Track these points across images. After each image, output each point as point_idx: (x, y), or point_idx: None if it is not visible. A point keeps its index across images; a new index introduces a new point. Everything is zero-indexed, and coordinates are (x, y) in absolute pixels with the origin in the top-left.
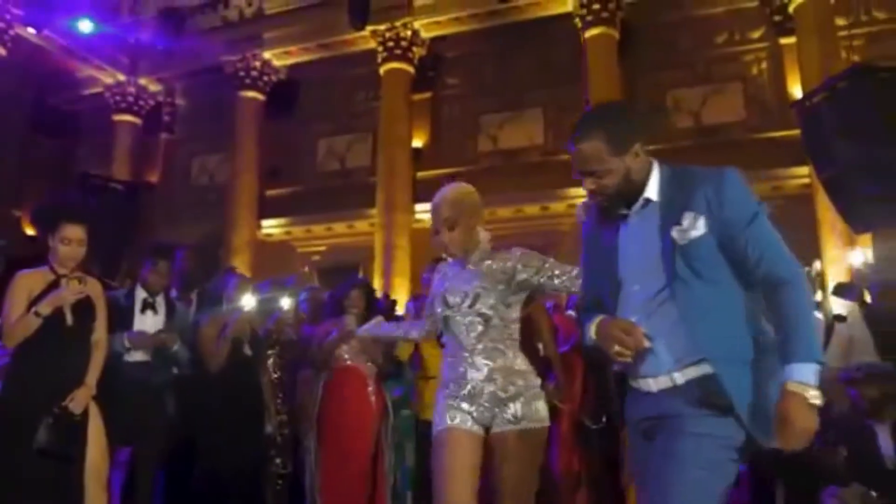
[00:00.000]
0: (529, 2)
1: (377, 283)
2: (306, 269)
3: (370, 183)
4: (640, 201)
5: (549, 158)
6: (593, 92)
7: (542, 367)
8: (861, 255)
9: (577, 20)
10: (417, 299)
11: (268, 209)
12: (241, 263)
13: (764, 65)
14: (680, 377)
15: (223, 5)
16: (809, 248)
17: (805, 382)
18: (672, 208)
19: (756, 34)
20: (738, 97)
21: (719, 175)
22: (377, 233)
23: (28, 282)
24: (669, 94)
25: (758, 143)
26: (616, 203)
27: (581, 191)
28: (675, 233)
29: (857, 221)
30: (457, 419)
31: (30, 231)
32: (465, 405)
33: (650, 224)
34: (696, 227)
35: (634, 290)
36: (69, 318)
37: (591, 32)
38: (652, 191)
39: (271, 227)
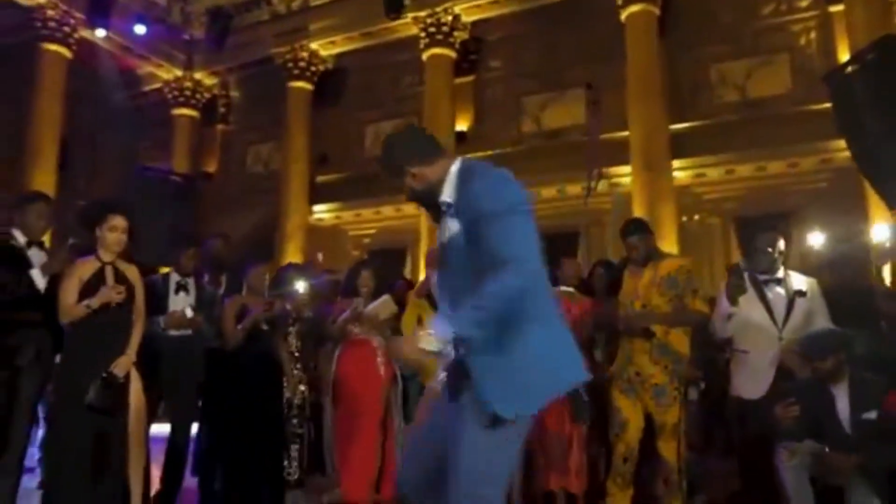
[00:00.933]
0: None
1: (423, 264)
2: (320, 256)
3: None
4: (443, 204)
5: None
6: (633, 70)
7: None
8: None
9: None
10: None
11: (318, 195)
12: (294, 248)
13: (812, 35)
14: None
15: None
16: (858, 221)
17: (436, 332)
18: (453, 207)
19: (804, 2)
20: (785, 69)
21: (471, 175)
22: (423, 215)
23: (78, 269)
24: (713, 69)
25: (805, 115)
26: (425, 204)
27: (627, 169)
28: (445, 230)
29: (891, 196)
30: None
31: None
32: None
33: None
34: (455, 224)
35: (440, 281)
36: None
37: (630, 9)
38: (447, 193)
39: (322, 212)
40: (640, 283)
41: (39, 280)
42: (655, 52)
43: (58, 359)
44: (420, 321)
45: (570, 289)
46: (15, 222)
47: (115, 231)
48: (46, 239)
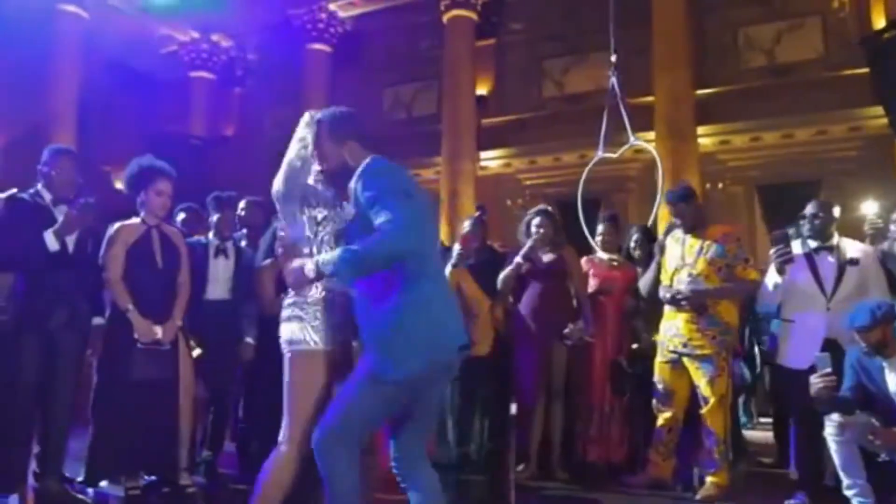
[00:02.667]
0: None
1: (443, 230)
2: None
3: (436, 131)
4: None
5: (615, 102)
6: (659, 33)
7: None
8: None
9: None
10: None
11: None
12: None
13: None
14: None
15: None
16: (891, 191)
17: (316, 262)
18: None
19: None
20: (817, 33)
21: (370, 173)
22: (443, 181)
23: (124, 233)
24: (741, 33)
25: (836, 81)
26: (333, 184)
27: (651, 135)
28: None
29: None
30: None
31: (119, 185)
32: None
33: None
34: (349, 212)
35: None
36: (159, 262)
37: None
38: (353, 181)
39: None
40: (687, 251)
41: (52, 243)
42: (682, 16)
43: (95, 321)
44: (459, 289)
45: (611, 255)
46: (41, 179)
47: (161, 195)
48: None
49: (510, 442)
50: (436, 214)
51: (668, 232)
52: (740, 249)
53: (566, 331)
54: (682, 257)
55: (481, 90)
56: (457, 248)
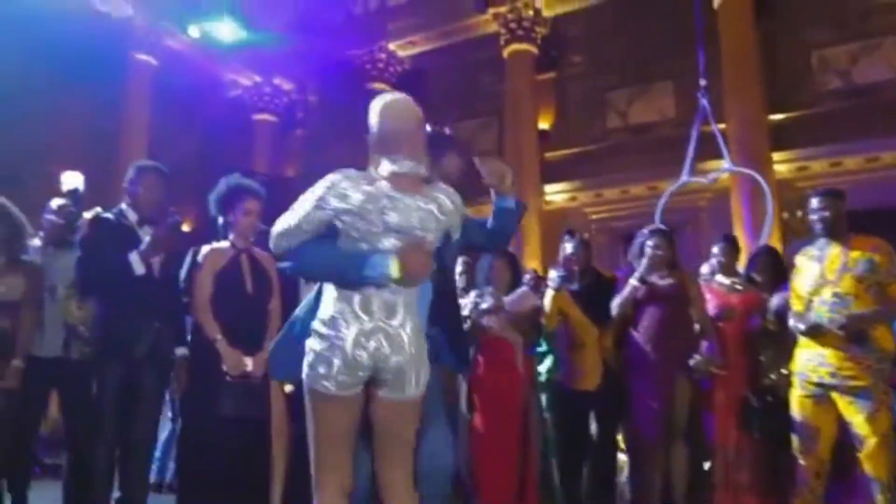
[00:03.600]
0: None
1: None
2: None
3: None
4: None
5: (681, 131)
6: (728, 58)
7: (695, 334)
8: None
9: None
10: None
11: None
12: None
13: None
14: None
15: (350, 1)
16: None
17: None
18: None
19: None
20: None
21: None
22: None
23: (212, 257)
24: (815, 55)
25: None
26: None
27: (720, 163)
28: None
29: None
30: None
31: (186, 227)
32: None
33: None
34: None
35: None
36: (249, 288)
37: None
38: None
39: None
40: (828, 267)
41: (138, 266)
42: (751, 40)
43: (179, 352)
44: (563, 315)
45: (732, 279)
46: (126, 198)
47: (249, 215)
48: None
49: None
50: None
51: (797, 249)
52: (893, 264)
53: (692, 362)
54: (821, 275)
55: (543, 124)
56: (554, 272)
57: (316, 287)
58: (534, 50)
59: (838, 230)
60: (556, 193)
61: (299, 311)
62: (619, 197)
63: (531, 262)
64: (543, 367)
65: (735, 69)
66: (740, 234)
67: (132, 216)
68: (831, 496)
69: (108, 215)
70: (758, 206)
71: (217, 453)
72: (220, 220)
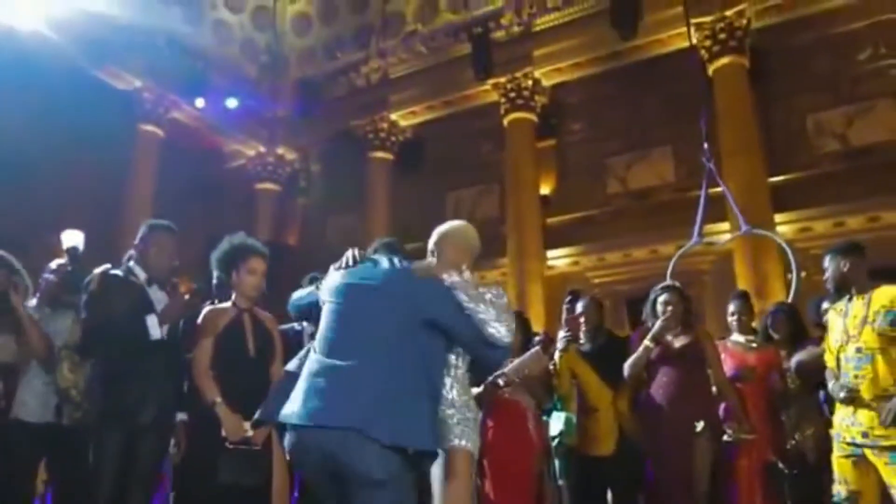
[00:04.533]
0: (651, 40)
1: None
2: None
3: (500, 232)
4: None
5: (681, 195)
6: (724, 123)
7: (712, 396)
8: None
9: (702, 52)
10: None
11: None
12: None
13: None
14: None
15: (353, 73)
16: None
17: None
18: None
19: None
20: (891, 114)
21: None
22: (510, 281)
23: (213, 316)
24: (809, 119)
25: None
26: None
27: (725, 226)
28: None
29: None
30: None
31: (186, 294)
32: None
33: None
34: None
35: None
36: (251, 350)
37: (718, 63)
38: None
39: None
40: (850, 322)
41: (155, 330)
42: (748, 104)
43: (179, 417)
44: (574, 376)
45: (747, 336)
46: (135, 255)
47: (253, 274)
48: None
49: None
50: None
51: (828, 303)
52: None
53: (727, 433)
54: (845, 330)
55: (545, 189)
56: (561, 332)
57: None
58: (533, 118)
59: (852, 285)
60: (559, 258)
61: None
62: (621, 261)
63: (535, 327)
64: (556, 429)
65: (732, 133)
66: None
67: (141, 274)
68: None
69: (118, 272)
70: (761, 268)
71: None
72: (215, 279)
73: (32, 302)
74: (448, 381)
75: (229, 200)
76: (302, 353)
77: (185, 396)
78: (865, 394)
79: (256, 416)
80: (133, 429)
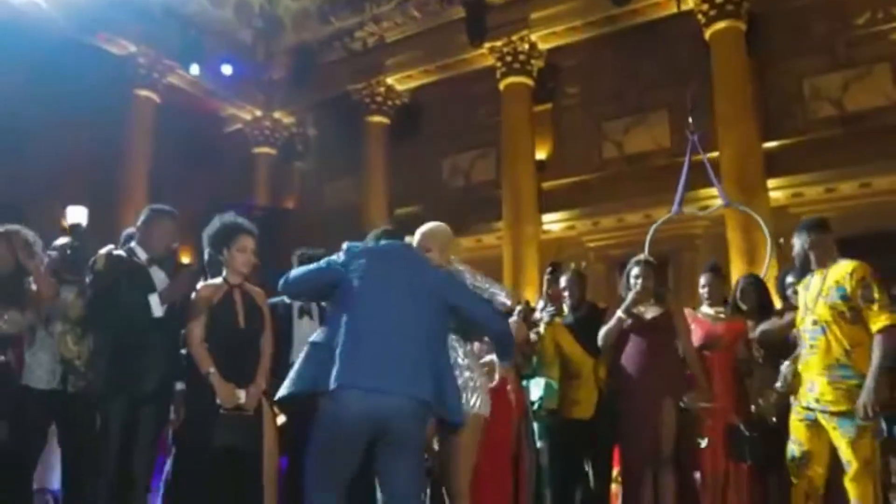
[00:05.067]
0: (647, 3)
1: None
2: None
3: (496, 197)
4: None
5: (676, 161)
6: (721, 88)
7: (681, 365)
8: None
9: (699, 16)
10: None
11: (398, 229)
12: None
13: None
14: None
15: (348, 38)
16: None
17: None
18: None
19: None
20: (887, 79)
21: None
22: (505, 245)
23: (206, 292)
24: (806, 83)
25: None
26: None
27: (713, 191)
28: None
29: None
30: None
31: (185, 259)
32: None
33: None
34: None
35: None
36: (242, 323)
37: (715, 27)
38: None
39: None
40: (810, 296)
41: (157, 307)
42: (743, 69)
43: (178, 386)
44: (558, 346)
45: (716, 308)
46: (137, 237)
47: (244, 252)
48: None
49: None
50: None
51: (791, 277)
52: (866, 289)
53: (684, 400)
54: (805, 303)
55: (540, 154)
56: (542, 304)
57: None
58: (530, 82)
59: (815, 260)
60: (554, 223)
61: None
62: (615, 225)
63: (529, 291)
64: (535, 394)
65: (728, 98)
66: (736, 259)
67: (142, 255)
68: None
69: (121, 253)
70: (753, 233)
71: (210, 483)
72: (206, 256)
73: None
74: (461, 350)
75: (227, 165)
76: (322, 328)
77: (182, 367)
78: (818, 363)
79: (291, 389)
80: (136, 398)
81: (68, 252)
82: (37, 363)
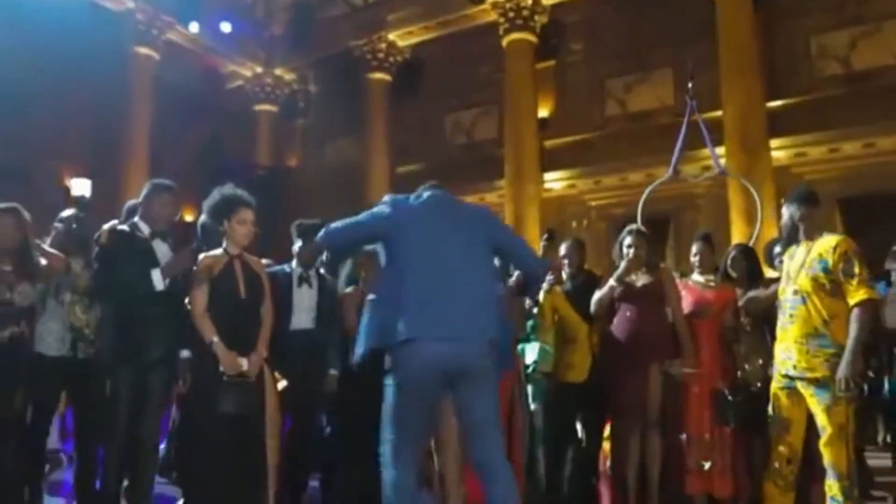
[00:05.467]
0: None
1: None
2: None
3: (498, 154)
4: None
5: (679, 119)
6: (726, 46)
7: (670, 331)
8: None
9: None
10: None
11: (399, 186)
12: None
13: None
14: None
15: None
16: None
17: None
18: None
19: None
20: (894, 37)
21: None
22: (507, 204)
23: (207, 263)
24: (813, 41)
25: None
26: None
27: (720, 150)
28: None
29: None
30: None
31: (188, 217)
32: None
33: None
34: None
35: None
36: (242, 293)
37: None
38: None
39: None
40: (793, 266)
41: (159, 282)
42: (749, 27)
43: (183, 354)
44: (556, 312)
45: (707, 276)
46: (140, 212)
47: (243, 224)
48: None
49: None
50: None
51: (779, 247)
52: (847, 263)
53: (667, 367)
54: (788, 273)
55: (543, 112)
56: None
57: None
58: (533, 38)
59: (802, 232)
60: (556, 181)
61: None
62: (617, 184)
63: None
64: (530, 358)
65: (733, 56)
66: (737, 219)
67: (145, 229)
68: (800, 481)
69: (125, 227)
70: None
71: (215, 447)
72: (200, 225)
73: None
74: None
75: (228, 122)
76: (380, 282)
77: (187, 336)
78: (797, 332)
79: (367, 344)
80: (142, 365)
81: (73, 226)
82: (47, 331)
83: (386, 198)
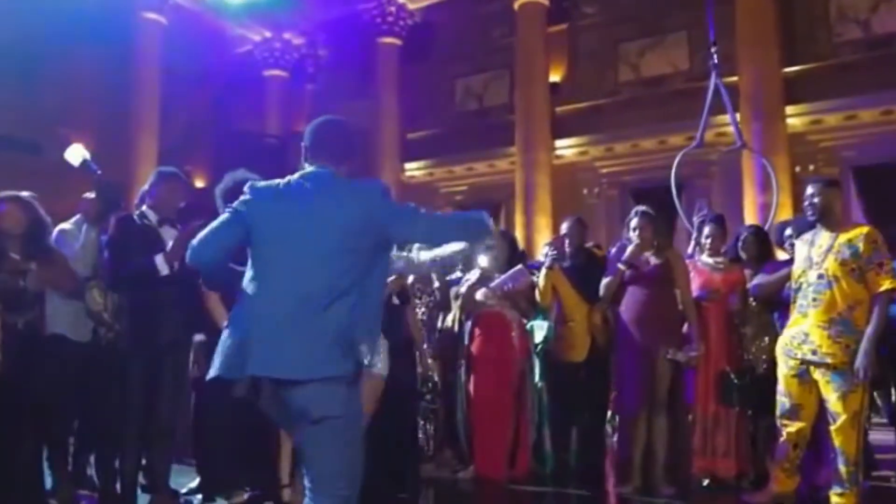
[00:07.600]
0: None
1: (518, 221)
2: None
3: (509, 121)
4: None
5: (694, 85)
6: (742, 9)
7: (679, 313)
8: None
9: None
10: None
11: (410, 152)
12: None
13: None
14: None
15: None
16: None
17: None
18: None
19: None
20: None
21: None
22: (517, 171)
23: None
24: (832, 4)
25: None
26: None
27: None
28: None
29: None
30: None
31: (199, 183)
32: None
33: None
34: None
35: None
36: None
37: None
38: None
39: (414, 169)
40: (816, 250)
41: (163, 267)
42: None
43: (197, 338)
44: (555, 291)
45: (716, 258)
46: (148, 200)
47: None
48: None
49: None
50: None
51: (794, 232)
52: (876, 252)
53: (670, 355)
54: (809, 257)
55: (554, 77)
56: (546, 249)
57: None
58: (545, 1)
59: (828, 217)
60: (567, 148)
61: None
62: (629, 151)
63: (541, 217)
64: (539, 337)
65: (750, 21)
66: (749, 189)
67: (153, 217)
68: (804, 463)
69: (133, 216)
70: (770, 159)
71: (231, 431)
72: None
73: (68, 225)
74: None
75: (237, 88)
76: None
77: (200, 320)
78: (820, 316)
79: (213, 372)
80: (154, 350)
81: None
82: (64, 316)
83: (246, 187)
